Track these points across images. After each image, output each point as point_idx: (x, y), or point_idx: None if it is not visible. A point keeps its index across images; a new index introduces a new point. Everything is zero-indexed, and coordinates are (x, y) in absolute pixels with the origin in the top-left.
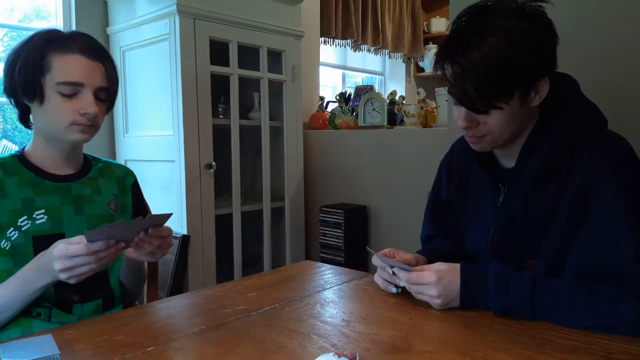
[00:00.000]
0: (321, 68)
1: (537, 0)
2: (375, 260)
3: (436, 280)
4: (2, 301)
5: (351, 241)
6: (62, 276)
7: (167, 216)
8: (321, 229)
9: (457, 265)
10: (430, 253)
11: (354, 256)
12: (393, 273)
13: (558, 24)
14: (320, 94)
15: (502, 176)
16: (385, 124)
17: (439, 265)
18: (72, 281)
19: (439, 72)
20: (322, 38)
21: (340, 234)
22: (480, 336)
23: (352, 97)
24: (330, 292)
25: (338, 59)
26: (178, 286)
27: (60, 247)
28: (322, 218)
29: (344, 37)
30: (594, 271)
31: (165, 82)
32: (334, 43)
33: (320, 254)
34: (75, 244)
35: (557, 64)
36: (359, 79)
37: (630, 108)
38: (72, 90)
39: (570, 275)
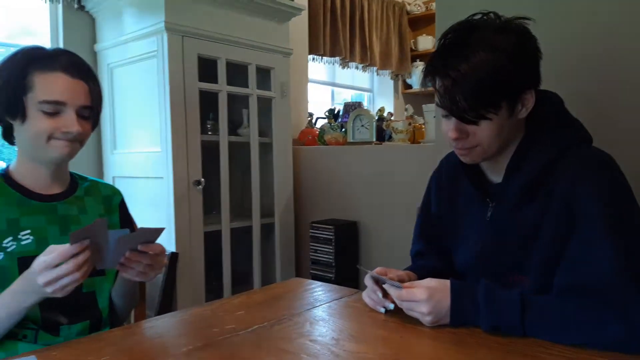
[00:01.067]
0: (310, 85)
1: (521, 18)
2: (367, 280)
3: (427, 297)
4: None
5: (342, 257)
6: (48, 290)
7: (158, 231)
8: (312, 245)
9: (447, 282)
10: (420, 270)
11: (345, 272)
12: (383, 292)
13: (541, 40)
14: (310, 111)
15: (490, 191)
16: (374, 140)
17: (429, 282)
18: (58, 294)
19: (428, 86)
20: (311, 55)
21: (331, 250)
22: (471, 354)
23: (341, 113)
24: (320, 310)
25: (327, 76)
26: (166, 304)
27: (39, 261)
28: (313, 234)
29: (332, 55)
30: (580, 288)
31: (153, 99)
32: (322, 60)
33: (311, 271)
34: (51, 253)
35: (542, 79)
36: (348, 95)
37: (612, 120)
38: (54, 109)
39: (557, 290)
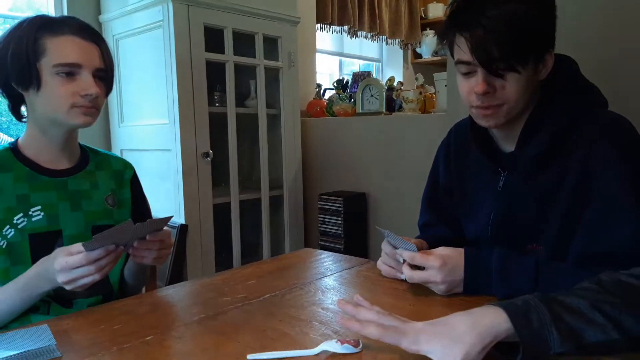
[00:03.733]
0: (318, 55)
1: None
2: (384, 245)
3: (440, 265)
4: (3, 307)
5: (350, 229)
6: (67, 287)
7: (166, 220)
8: (320, 217)
9: (461, 250)
10: (430, 239)
11: (354, 243)
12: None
13: (559, 5)
14: (318, 81)
15: (502, 160)
16: (384, 110)
17: (442, 250)
18: (77, 290)
19: (443, 53)
20: (319, 24)
21: (340, 222)
22: None
23: (349, 83)
24: (331, 279)
25: (335, 45)
26: (176, 276)
27: (59, 260)
28: (321, 206)
29: (340, 23)
30: (596, 254)
31: (159, 70)
32: (331, 29)
33: (320, 242)
34: (75, 255)
35: (557, 45)
36: (356, 66)
37: (631, 87)
38: (70, 71)
39: (574, 258)
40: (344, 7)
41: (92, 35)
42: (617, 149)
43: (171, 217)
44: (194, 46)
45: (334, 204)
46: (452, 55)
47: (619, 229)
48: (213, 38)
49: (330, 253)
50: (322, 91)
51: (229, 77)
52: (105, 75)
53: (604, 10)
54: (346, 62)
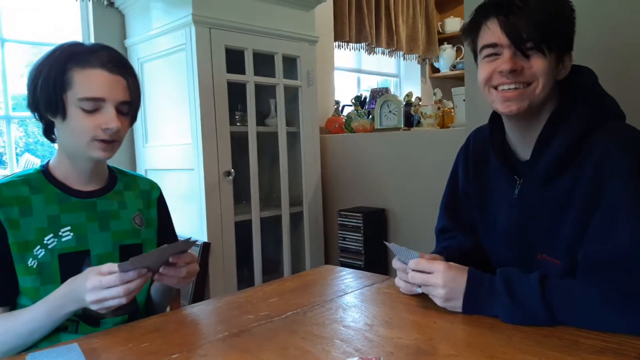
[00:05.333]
0: (336, 72)
1: None
2: (395, 263)
3: (444, 269)
4: (31, 326)
5: (370, 245)
6: (93, 307)
7: (190, 243)
8: (340, 233)
9: (466, 267)
10: (446, 251)
11: (374, 260)
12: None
13: (581, 16)
14: (336, 98)
15: (518, 168)
16: (402, 125)
17: (451, 262)
18: (101, 311)
19: (481, 23)
20: (336, 42)
21: (360, 238)
22: (506, 338)
23: (367, 100)
24: (352, 297)
25: (353, 62)
26: (200, 294)
27: (93, 279)
28: (341, 222)
29: (357, 41)
30: (602, 265)
31: (182, 92)
32: (348, 47)
33: (340, 259)
34: (108, 275)
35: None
36: (374, 82)
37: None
38: (93, 106)
39: (581, 269)
40: (361, 25)
41: (120, 67)
42: (628, 161)
43: (194, 241)
44: (215, 68)
45: (354, 220)
46: (474, 46)
47: (620, 238)
48: (234, 59)
49: (350, 270)
50: (340, 108)
51: (249, 97)
52: (129, 109)
53: (619, 25)
54: (364, 79)
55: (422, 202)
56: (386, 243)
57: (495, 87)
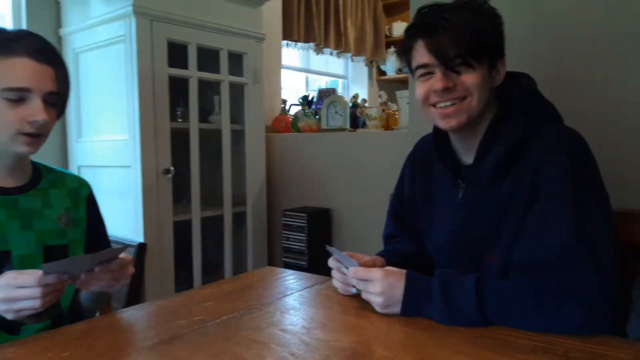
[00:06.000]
0: (284, 71)
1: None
2: (330, 262)
3: (382, 277)
4: None
5: (314, 245)
6: (3, 307)
7: (118, 251)
8: (284, 233)
9: (404, 271)
10: (391, 255)
11: (318, 260)
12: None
13: (519, 25)
14: (283, 97)
15: (462, 172)
16: (348, 126)
17: (389, 267)
18: (9, 316)
19: (411, 45)
20: (285, 41)
21: (304, 238)
22: (441, 339)
23: (314, 100)
24: (291, 299)
25: (301, 62)
26: (135, 297)
27: (8, 275)
28: (285, 222)
29: (306, 40)
30: (536, 265)
31: (120, 85)
32: (297, 46)
33: (283, 259)
34: (26, 275)
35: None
36: (322, 82)
37: (584, 105)
38: (18, 97)
39: (516, 269)
40: (309, 25)
41: (49, 56)
42: (564, 164)
43: (124, 248)
44: (156, 61)
45: (298, 220)
46: (409, 66)
47: (552, 239)
48: (177, 53)
49: (291, 271)
50: (287, 107)
51: (192, 92)
52: (57, 100)
53: (554, 32)
54: (313, 79)
55: (366, 203)
56: (328, 247)
57: (434, 105)
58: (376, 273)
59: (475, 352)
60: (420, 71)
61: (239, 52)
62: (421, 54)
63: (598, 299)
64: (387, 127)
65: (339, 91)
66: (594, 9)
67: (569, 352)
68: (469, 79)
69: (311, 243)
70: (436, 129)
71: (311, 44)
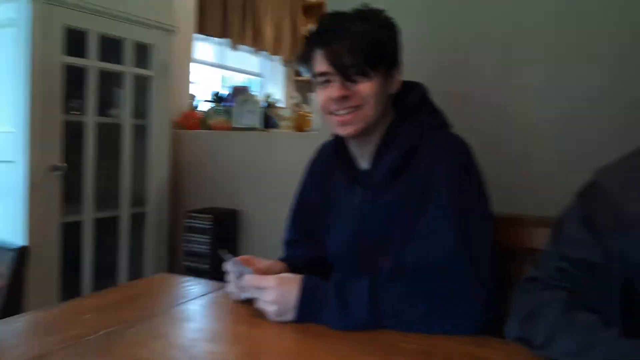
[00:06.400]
0: (198, 66)
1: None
2: (225, 266)
3: (274, 285)
4: None
5: (220, 246)
6: None
7: None
8: (186, 236)
9: (300, 277)
10: (293, 260)
11: (223, 264)
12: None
13: (420, 37)
14: (195, 93)
15: (359, 177)
16: (260, 126)
17: (282, 275)
18: None
19: (311, 54)
20: (199, 35)
21: (208, 241)
22: (331, 345)
23: (228, 97)
24: (184, 308)
25: (217, 58)
26: (13, 307)
27: None
28: (188, 224)
29: (222, 36)
30: (424, 268)
31: (6, 72)
32: (213, 41)
33: (185, 263)
34: None
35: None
36: (240, 80)
37: (474, 113)
38: None
39: (407, 272)
40: (226, 20)
41: None
42: (452, 169)
43: None
44: (50, 48)
45: (203, 222)
46: (311, 72)
47: (438, 243)
48: (76, 41)
49: (187, 278)
50: (196, 103)
51: (90, 83)
52: None
53: (448, 43)
54: (231, 76)
55: (276, 205)
56: (220, 252)
57: (332, 113)
58: (269, 281)
59: (363, 357)
60: (320, 79)
61: (146, 43)
62: (320, 62)
63: (481, 303)
64: (299, 128)
65: (257, 90)
66: (485, 24)
67: (452, 356)
68: (365, 88)
69: (216, 246)
70: (336, 134)
71: (227, 40)
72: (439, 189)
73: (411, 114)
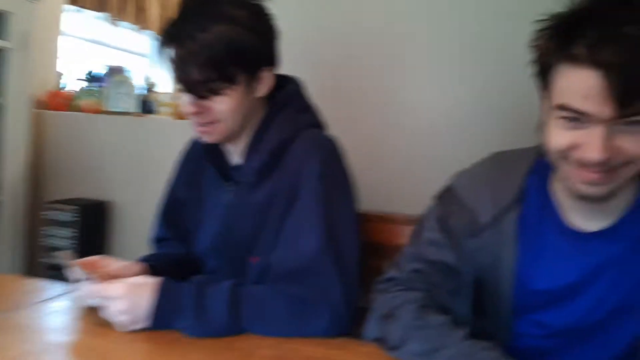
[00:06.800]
0: (74, 42)
1: None
2: (68, 273)
3: (123, 294)
4: None
5: (88, 243)
6: None
7: None
8: (46, 229)
9: (155, 281)
10: (159, 259)
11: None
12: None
13: (298, 31)
14: (65, 70)
15: (231, 173)
16: (136, 111)
17: (136, 279)
18: None
19: (162, 56)
20: (70, 6)
21: (73, 234)
22: (184, 354)
23: (103, 77)
24: (22, 317)
25: (99, 34)
26: None
27: None
28: (49, 216)
29: (98, 9)
30: (289, 270)
31: None
32: (86, 14)
33: (44, 259)
34: None
35: (281, 60)
36: (123, 58)
37: (354, 113)
38: None
39: (272, 274)
40: None
41: None
42: (319, 170)
43: None
44: None
45: (67, 213)
46: None
47: (304, 244)
48: None
49: (34, 279)
50: (63, 81)
51: None
52: None
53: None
54: (115, 56)
55: (151, 197)
56: (56, 255)
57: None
58: (117, 289)
59: None
60: (179, 86)
61: (2, 10)
62: (172, 66)
63: (342, 304)
64: (180, 115)
65: (139, 71)
66: (371, 22)
67: None
68: (219, 105)
69: (84, 240)
70: None
71: (105, 14)
72: (306, 189)
73: (283, 110)
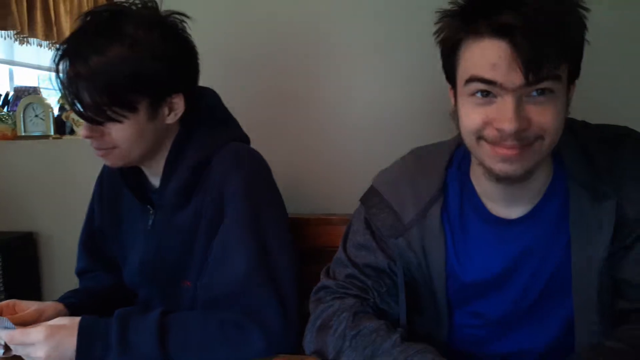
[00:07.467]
0: None
1: (179, 14)
2: None
3: (44, 338)
4: None
5: (14, 279)
6: None
7: None
8: None
9: (75, 320)
10: (80, 295)
11: (20, 296)
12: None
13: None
14: None
15: (151, 197)
16: (52, 133)
17: (56, 321)
18: None
19: (55, 73)
20: None
21: None
22: None
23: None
24: None
25: (5, 53)
26: None
27: None
28: None
29: (2, 27)
30: (219, 294)
31: None
32: None
33: None
34: None
35: (199, 79)
36: (35, 79)
37: (284, 112)
38: None
39: (202, 298)
40: (6, 8)
41: None
42: (243, 187)
43: None
44: None
45: None
46: None
47: (234, 266)
48: None
49: None
50: None
51: None
52: None
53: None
54: (22, 73)
55: (79, 223)
56: None
57: None
58: (37, 334)
59: None
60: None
61: None
62: (62, 86)
63: (278, 323)
64: None
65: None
66: (298, 16)
67: None
68: (115, 132)
69: (8, 278)
70: None
71: (10, 32)
72: (231, 208)
73: (199, 127)
